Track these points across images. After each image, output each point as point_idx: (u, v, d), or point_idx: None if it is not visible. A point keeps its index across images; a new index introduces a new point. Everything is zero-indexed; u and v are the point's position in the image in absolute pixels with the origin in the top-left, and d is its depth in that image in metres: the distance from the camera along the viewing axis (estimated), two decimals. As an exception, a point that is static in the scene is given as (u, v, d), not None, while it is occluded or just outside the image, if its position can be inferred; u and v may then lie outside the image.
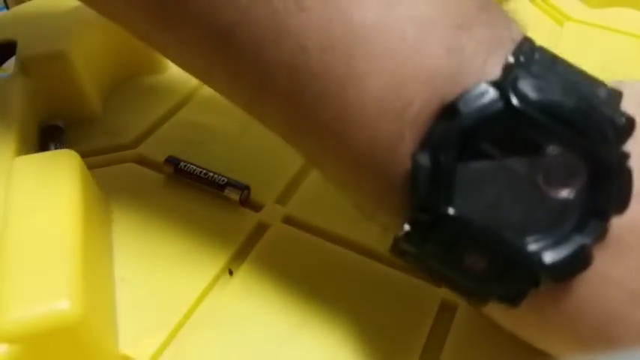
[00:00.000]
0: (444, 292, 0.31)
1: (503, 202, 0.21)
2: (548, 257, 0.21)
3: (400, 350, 0.28)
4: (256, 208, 0.35)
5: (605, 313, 0.22)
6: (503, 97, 0.20)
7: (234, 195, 0.35)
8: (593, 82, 0.22)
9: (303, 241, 0.33)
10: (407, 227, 0.22)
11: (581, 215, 0.21)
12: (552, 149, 0.21)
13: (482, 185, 0.21)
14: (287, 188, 0.37)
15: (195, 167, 0.36)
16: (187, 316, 0.30)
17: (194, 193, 0.36)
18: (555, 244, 0.21)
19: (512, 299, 0.22)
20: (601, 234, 0.21)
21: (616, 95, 0.21)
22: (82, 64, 0.40)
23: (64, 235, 0.27)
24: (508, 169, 0.21)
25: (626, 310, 0.21)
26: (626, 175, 0.21)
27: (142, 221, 0.34)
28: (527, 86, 0.20)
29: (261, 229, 0.34)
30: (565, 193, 0.21)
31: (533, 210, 0.21)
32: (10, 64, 0.40)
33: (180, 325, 0.29)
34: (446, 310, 0.30)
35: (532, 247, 0.21)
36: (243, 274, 0.31)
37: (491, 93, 0.20)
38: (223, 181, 0.35)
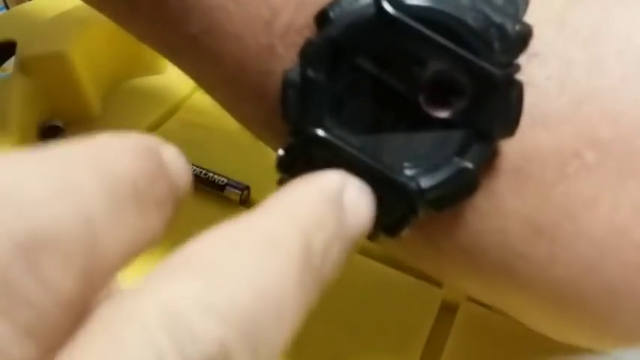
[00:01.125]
0: (445, 293, 0.31)
1: (382, 124, 0.19)
2: (424, 182, 0.19)
3: (400, 351, 0.28)
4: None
5: (505, 247, 0.20)
6: (376, 1, 0.18)
7: (234, 195, 0.35)
8: None
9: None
10: (281, 152, 0.20)
11: (464, 137, 0.19)
12: (433, 64, 0.19)
13: (358, 105, 0.19)
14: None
15: (194, 167, 0.36)
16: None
17: (194, 192, 0.35)
18: (434, 169, 0.19)
19: (391, 229, 0.20)
20: (486, 158, 0.19)
21: (515, 1, 0.19)
22: (82, 64, 0.40)
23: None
24: (387, 86, 0.19)
25: (528, 244, 0.20)
26: (515, 91, 0.19)
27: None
28: None
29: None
30: (447, 114, 0.19)
31: (414, 133, 0.19)
32: (10, 64, 0.41)
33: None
34: (446, 311, 0.30)
35: (409, 171, 0.19)
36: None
37: None
38: (223, 181, 0.35)
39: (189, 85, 0.43)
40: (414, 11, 0.18)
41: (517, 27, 0.18)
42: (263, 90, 0.20)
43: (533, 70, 0.19)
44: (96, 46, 0.42)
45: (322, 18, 0.19)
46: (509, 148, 0.19)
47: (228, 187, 0.35)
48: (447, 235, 0.21)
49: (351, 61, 0.19)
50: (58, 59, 0.39)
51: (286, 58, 0.20)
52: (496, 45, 0.18)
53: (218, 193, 0.35)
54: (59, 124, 0.40)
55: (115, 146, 0.15)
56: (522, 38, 0.19)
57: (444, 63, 0.19)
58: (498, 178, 0.20)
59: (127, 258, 0.15)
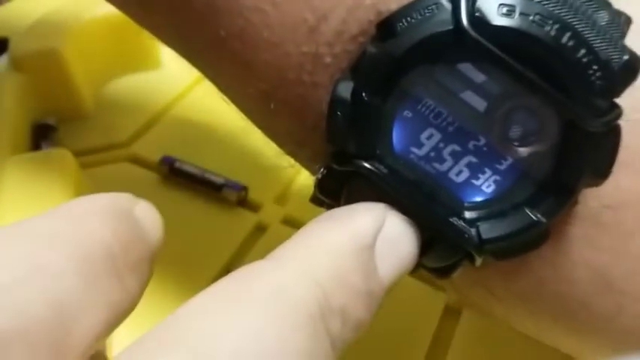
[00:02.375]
0: (449, 296, 0.30)
1: (442, 156, 0.17)
2: (487, 231, 0.17)
3: (404, 355, 0.28)
4: (254, 208, 0.35)
5: (569, 297, 0.18)
6: (454, 17, 0.16)
7: (231, 195, 0.34)
8: (592, 1, 0.16)
9: (302, 243, 0.33)
10: (322, 173, 0.18)
11: (540, 185, 0.17)
12: (514, 95, 0.16)
13: (415, 131, 0.17)
14: (286, 188, 0.36)
15: (191, 167, 0.35)
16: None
17: (190, 193, 0.35)
18: (500, 216, 0.17)
19: (441, 271, 0.18)
20: (563, 212, 0.17)
21: (621, 21, 0.16)
22: (75, 61, 0.40)
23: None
24: (452, 112, 0.17)
25: (594, 296, 0.18)
26: (612, 140, 0.16)
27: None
28: (488, 4, 0.15)
29: (259, 229, 0.34)
30: (522, 155, 0.17)
31: (479, 169, 0.17)
32: (2, 61, 0.40)
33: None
34: (450, 314, 0.30)
35: (469, 214, 0.17)
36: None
37: (441, 9, 0.16)
38: (220, 181, 0.35)
39: (185, 81, 0.43)
40: (500, 35, 0.15)
41: (625, 57, 0.15)
42: (304, 105, 0.18)
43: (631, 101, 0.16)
44: (89, 42, 0.42)
45: (386, 28, 0.16)
46: (589, 192, 0.17)
47: (225, 188, 0.34)
48: (502, 279, 0.19)
49: (416, 83, 0.17)
50: (50, 56, 0.39)
51: (334, 70, 0.17)
52: (597, 86, 0.15)
53: (215, 194, 0.35)
54: (52, 122, 0.39)
55: (86, 213, 0.14)
56: (630, 72, 0.16)
57: (529, 99, 0.16)
58: (571, 226, 0.18)
59: (105, 332, 0.13)
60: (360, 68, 0.17)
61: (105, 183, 0.35)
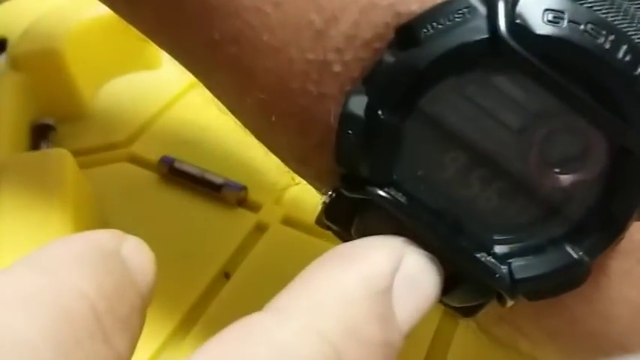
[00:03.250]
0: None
1: (470, 183, 0.15)
2: (520, 270, 0.15)
3: (403, 355, 0.28)
4: (254, 208, 0.35)
5: (603, 337, 0.17)
6: (491, 23, 0.13)
7: (231, 195, 0.34)
8: None
9: (303, 243, 0.33)
10: (330, 196, 0.16)
11: (584, 218, 0.15)
12: (557, 115, 0.14)
13: (439, 152, 0.15)
14: (286, 188, 0.36)
15: (190, 167, 0.35)
16: (183, 321, 0.29)
17: (189, 193, 0.35)
18: (535, 252, 0.15)
19: (465, 311, 0.16)
20: (607, 248, 0.15)
21: None
22: (74, 60, 0.40)
23: (56, 237, 0.26)
24: (482, 132, 0.15)
25: (632, 336, 0.17)
26: None
27: (136, 223, 0.33)
28: (532, 9, 0.13)
29: (259, 230, 0.33)
30: (565, 181, 0.15)
31: (512, 197, 0.15)
32: (1, 61, 0.40)
33: (175, 331, 0.28)
34: (450, 314, 0.30)
35: (499, 248, 0.15)
36: (241, 276, 0.31)
37: (474, 13, 0.14)
38: (220, 181, 0.35)
39: (185, 81, 0.43)
40: (545, 46, 0.13)
41: None
42: (308, 119, 0.16)
43: None
44: (88, 42, 0.41)
45: (407, 35, 0.14)
46: (633, 226, 0.15)
47: (224, 188, 0.34)
48: (532, 316, 0.17)
49: (441, 98, 0.14)
50: (49, 56, 0.39)
51: (344, 80, 0.15)
52: None
53: (214, 194, 0.34)
54: (51, 122, 0.39)
55: (62, 263, 0.12)
56: None
57: (574, 120, 0.14)
58: (612, 260, 0.16)
59: None
60: (376, 81, 0.14)
61: (104, 183, 0.35)
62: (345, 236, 0.16)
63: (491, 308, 0.16)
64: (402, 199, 0.15)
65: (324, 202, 0.16)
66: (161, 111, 0.41)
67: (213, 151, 0.38)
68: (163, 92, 0.42)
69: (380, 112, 0.14)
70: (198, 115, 0.40)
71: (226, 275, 0.31)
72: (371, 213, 0.15)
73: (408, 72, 0.14)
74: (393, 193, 0.15)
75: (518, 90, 0.14)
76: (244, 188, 0.35)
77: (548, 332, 0.17)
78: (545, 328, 0.17)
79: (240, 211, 0.34)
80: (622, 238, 0.15)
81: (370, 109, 0.14)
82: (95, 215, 0.33)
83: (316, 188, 0.18)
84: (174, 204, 0.34)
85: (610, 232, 0.15)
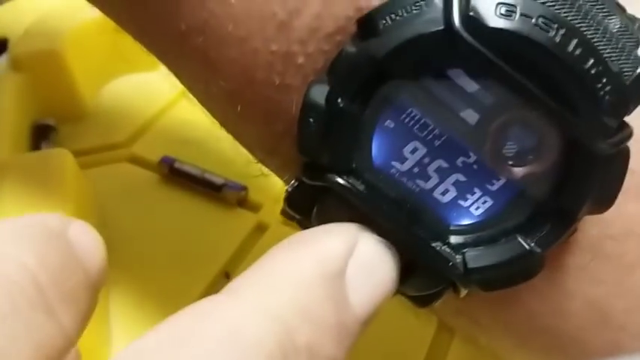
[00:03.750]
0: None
1: (425, 171, 0.15)
2: (474, 259, 0.15)
3: (403, 356, 0.28)
4: (254, 208, 0.35)
5: (561, 331, 0.17)
6: (446, 15, 0.14)
7: (231, 196, 0.34)
8: (603, 4, 0.14)
9: (302, 243, 0.33)
10: (292, 185, 0.16)
11: (535, 210, 0.15)
12: (510, 107, 0.14)
13: (398, 143, 0.15)
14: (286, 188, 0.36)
15: (190, 167, 0.35)
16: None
17: (190, 193, 0.35)
18: (488, 243, 0.15)
19: (421, 300, 0.16)
20: (561, 241, 0.15)
21: (635, 29, 0.14)
22: (74, 61, 0.40)
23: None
24: (440, 124, 0.15)
25: (589, 332, 0.17)
26: (620, 164, 0.14)
27: (136, 223, 0.33)
28: (485, 3, 0.13)
29: (259, 230, 0.33)
30: (518, 173, 0.15)
31: (468, 188, 0.15)
32: (2, 61, 0.40)
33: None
34: (445, 328, 0.30)
35: (455, 239, 0.15)
36: (241, 277, 0.31)
37: (430, 6, 0.14)
38: (220, 181, 0.35)
39: (185, 82, 0.43)
40: (497, 39, 0.13)
41: (639, 70, 0.14)
42: (273, 109, 0.16)
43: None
44: (88, 43, 0.41)
45: (367, 26, 0.14)
46: (589, 220, 0.15)
47: (225, 188, 0.34)
48: (489, 309, 0.17)
49: (399, 89, 0.15)
50: (50, 56, 0.39)
51: (308, 71, 0.16)
52: (606, 101, 0.13)
53: (215, 194, 0.34)
54: (51, 122, 0.39)
55: (4, 237, 0.13)
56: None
57: (527, 113, 0.14)
58: (568, 254, 0.16)
59: None
60: (337, 70, 0.15)
61: (104, 183, 0.35)
62: (307, 225, 0.16)
63: (449, 300, 0.16)
64: (360, 187, 0.15)
65: (286, 191, 0.16)
66: (161, 111, 0.41)
67: (214, 152, 0.38)
68: (164, 93, 0.42)
69: (340, 101, 0.15)
70: (198, 116, 0.40)
71: (227, 275, 0.31)
72: (330, 201, 0.15)
73: (367, 61, 0.14)
74: (352, 181, 0.15)
75: (472, 82, 0.15)
76: (244, 188, 0.35)
77: (504, 326, 0.17)
78: (501, 322, 0.17)
79: (241, 211, 0.34)
80: (574, 231, 0.15)
81: (331, 97, 0.15)
82: (95, 215, 0.33)
83: (282, 178, 0.18)
84: (175, 204, 0.34)
85: (561, 224, 0.15)
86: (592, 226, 0.16)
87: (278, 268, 0.14)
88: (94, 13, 0.39)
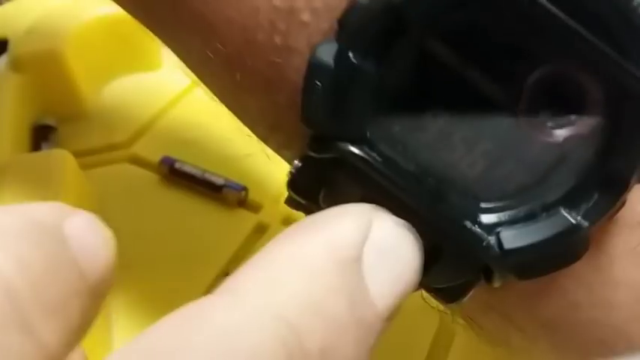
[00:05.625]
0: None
1: (454, 142, 0.13)
2: (511, 239, 0.13)
3: (405, 355, 0.28)
4: (255, 209, 0.35)
5: (605, 326, 0.15)
6: None
7: (231, 196, 0.34)
8: None
9: (303, 243, 0.33)
10: (297, 165, 0.14)
11: (580, 178, 0.13)
12: (548, 57, 0.13)
13: (418, 108, 0.13)
14: (286, 188, 0.36)
15: (191, 167, 0.35)
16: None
17: (190, 194, 0.35)
18: (526, 220, 0.13)
19: (449, 294, 0.14)
20: (610, 213, 0.13)
21: None
22: (75, 61, 0.40)
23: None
24: (466, 85, 0.13)
25: (637, 324, 0.15)
26: None
27: (136, 224, 0.33)
28: None
29: (260, 230, 0.33)
30: (559, 137, 0.13)
31: (497, 159, 0.13)
32: (2, 62, 0.40)
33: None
34: (447, 324, 0.30)
35: (487, 217, 0.13)
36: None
37: None
38: (220, 181, 0.34)
39: (185, 82, 0.43)
40: None
41: None
42: (276, 76, 0.15)
43: None
44: (89, 43, 0.41)
45: None
46: (635, 195, 0.13)
47: (225, 188, 0.34)
48: (526, 304, 0.15)
49: (417, 42, 0.13)
50: (50, 56, 0.39)
51: (313, 31, 0.14)
52: None
53: (215, 195, 0.34)
54: (52, 123, 0.39)
55: None
56: None
57: (568, 62, 0.13)
58: (614, 235, 0.14)
59: None
60: (348, 22, 0.13)
61: (105, 184, 0.35)
62: (314, 211, 0.14)
63: (480, 294, 0.15)
64: (377, 159, 0.13)
65: (290, 173, 0.14)
66: (162, 112, 0.41)
67: (214, 152, 0.38)
68: (164, 93, 0.42)
69: (352, 57, 0.13)
70: (198, 116, 0.40)
71: (227, 275, 0.31)
72: (341, 178, 0.14)
73: (382, 9, 0.12)
74: (366, 151, 0.13)
75: (505, 31, 0.13)
76: (245, 189, 0.35)
77: (542, 323, 0.15)
78: (540, 319, 0.15)
79: (241, 211, 0.34)
80: (623, 203, 0.13)
81: (341, 54, 0.13)
82: (95, 216, 0.33)
83: (287, 159, 0.16)
84: (175, 205, 0.34)
85: (610, 192, 0.13)
86: (637, 201, 0.14)
87: (281, 259, 0.12)
88: (95, 14, 0.39)
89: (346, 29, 0.13)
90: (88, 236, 0.12)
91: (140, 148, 0.38)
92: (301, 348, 0.10)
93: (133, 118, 0.41)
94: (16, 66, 0.38)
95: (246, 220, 0.34)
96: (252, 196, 0.35)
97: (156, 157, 0.36)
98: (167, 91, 0.42)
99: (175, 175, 0.35)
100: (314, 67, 0.13)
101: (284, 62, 0.14)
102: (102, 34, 0.42)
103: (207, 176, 0.35)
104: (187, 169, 0.35)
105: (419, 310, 0.29)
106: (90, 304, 0.11)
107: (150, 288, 0.30)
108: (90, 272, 0.11)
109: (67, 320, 0.11)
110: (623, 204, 0.13)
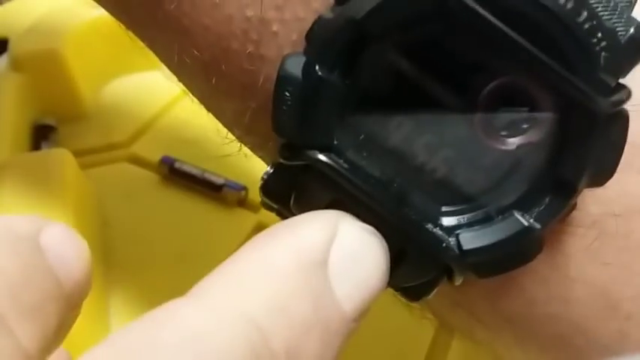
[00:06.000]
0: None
1: (412, 147, 0.14)
2: (468, 240, 0.14)
3: (403, 357, 0.28)
4: (255, 208, 0.35)
5: (563, 321, 0.16)
6: None
7: (231, 196, 0.34)
8: None
9: (302, 243, 0.33)
10: (268, 171, 0.15)
11: (533, 183, 0.14)
12: (501, 71, 0.13)
13: (382, 117, 0.14)
14: (286, 188, 0.36)
15: (191, 167, 0.35)
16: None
17: (190, 193, 0.35)
18: (483, 222, 0.14)
19: (413, 292, 0.15)
20: (561, 216, 0.14)
21: None
22: (75, 61, 0.40)
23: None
24: (425, 95, 0.14)
25: (594, 320, 0.16)
26: (620, 126, 0.13)
27: (136, 223, 0.33)
28: None
29: (259, 230, 0.33)
30: (511, 146, 0.14)
31: (456, 165, 0.14)
32: (2, 61, 0.40)
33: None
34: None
35: (447, 220, 0.14)
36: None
37: None
38: (220, 181, 0.35)
39: (185, 82, 0.43)
40: None
41: (631, 30, 0.13)
42: (249, 82, 0.15)
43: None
44: (89, 42, 0.41)
45: None
46: (589, 196, 0.14)
47: (225, 188, 0.34)
48: (487, 300, 0.16)
49: (379, 54, 0.14)
50: (50, 56, 0.39)
51: (283, 41, 0.15)
52: (602, 58, 0.13)
53: (215, 194, 0.34)
54: (52, 122, 0.39)
55: None
56: (637, 48, 0.13)
57: (519, 74, 0.13)
58: (569, 236, 0.15)
59: None
60: (314, 37, 0.14)
61: (104, 183, 0.35)
62: (286, 215, 0.15)
63: (444, 293, 0.15)
64: (343, 165, 0.14)
65: (262, 178, 0.15)
66: (162, 111, 0.41)
67: (214, 152, 0.38)
68: (164, 93, 0.42)
69: (318, 70, 0.13)
70: (198, 116, 0.40)
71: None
72: (310, 184, 0.14)
73: (346, 23, 0.13)
74: (333, 158, 0.14)
75: (460, 45, 0.13)
76: (245, 188, 0.35)
77: (504, 317, 0.16)
78: (502, 313, 0.16)
79: (241, 211, 0.34)
80: (574, 206, 0.14)
81: (309, 67, 0.13)
82: (95, 215, 0.33)
83: (263, 159, 0.17)
84: (175, 204, 0.34)
85: (561, 196, 0.14)
86: (593, 205, 0.15)
87: (248, 264, 0.12)
88: (94, 13, 0.39)
89: (313, 43, 0.14)
90: (64, 246, 0.12)
91: (140, 148, 0.38)
92: (268, 347, 0.11)
93: (132, 117, 0.41)
94: (16, 66, 0.38)
95: (245, 220, 0.34)
96: (252, 195, 0.35)
97: (155, 156, 0.36)
98: (167, 91, 0.42)
99: (175, 174, 0.35)
100: (283, 79, 0.14)
101: (257, 69, 0.15)
102: (102, 34, 0.42)
103: (207, 176, 0.35)
104: (187, 168, 0.35)
105: (414, 309, 0.29)
106: (66, 311, 0.12)
107: (149, 287, 0.30)
108: (65, 280, 0.12)
109: (44, 325, 0.11)
110: (574, 207, 0.14)
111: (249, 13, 0.15)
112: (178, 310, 0.11)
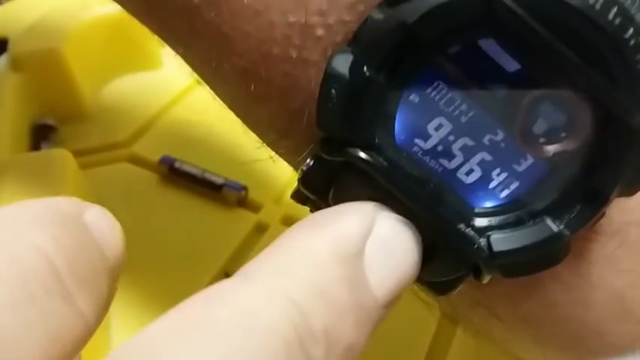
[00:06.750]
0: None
1: (450, 149, 0.15)
2: (499, 242, 0.14)
3: (406, 348, 0.28)
4: (254, 208, 0.35)
5: (581, 323, 0.16)
6: None
7: (231, 195, 0.34)
8: None
9: (302, 243, 0.33)
10: (308, 164, 0.15)
11: (565, 190, 0.14)
12: (544, 81, 0.14)
13: (422, 119, 0.14)
14: (286, 188, 0.36)
15: (191, 167, 0.35)
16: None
17: (190, 193, 0.35)
18: (514, 225, 0.15)
19: (440, 287, 0.16)
20: (590, 224, 0.15)
21: None
22: (75, 60, 0.40)
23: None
24: (467, 99, 0.14)
25: (612, 323, 0.16)
26: None
27: (136, 223, 0.33)
28: None
29: (259, 230, 0.33)
30: (549, 152, 0.14)
31: (494, 168, 0.15)
32: (2, 61, 0.40)
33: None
34: (449, 319, 0.30)
35: (480, 221, 0.15)
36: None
37: None
38: (220, 181, 0.35)
39: (185, 81, 0.43)
40: (537, 4, 0.13)
41: None
42: (290, 86, 0.15)
43: None
44: (89, 42, 0.41)
45: None
46: (614, 205, 0.15)
47: (225, 188, 0.34)
48: (509, 300, 0.16)
49: (427, 58, 0.14)
50: (50, 56, 0.39)
51: (327, 45, 0.15)
52: None
53: (215, 194, 0.34)
54: (52, 122, 0.39)
55: (18, 220, 0.12)
56: None
57: (562, 84, 0.14)
58: (592, 243, 0.15)
59: None
60: (362, 38, 0.14)
61: (104, 183, 0.35)
62: (322, 206, 0.16)
63: (467, 290, 0.16)
64: (383, 163, 0.14)
65: (301, 170, 0.15)
66: (162, 111, 0.41)
67: (214, 151, 0.38)
68: (164, 92, 0.42)
69: (365, 69, 0.14)
70: (198, 116, 0.40)
71: (226, 275, 0.31)
72: (350, 179, 0.15)
73: (396, 26, 0.14)
74: (374, 156, 0.14)
75: (504, 54, 0.14)
76: (245, 188, 0.35)
77: (524, 317, 0.17)
78: (522, 313, 0.17)
79: (241, 211, 0.34)
80: (604, 214, 0.15)
81: (356, 66, 0.14)
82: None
83: (293, 164, 0.17)
84: (175, 204, 0.34)
85: (592, 205, 0.14)
86: (617, 213, 0.15)
87: (292, 250, 0.13)
88: (94, 13, 0.39)
89: (361, 43, 0.14)
90: (104, 224, 0.13)
91: (140, 148, 0.38)
92: (308, 327, 0.12)
93: (132, 117, 0.41)
94: (16, 65, 0.38)
95: (245, 220, 0.34)
96: (252, 195, 0.35)
97: (155, 156, 0.36)
98: (167, 91, 0.42)
99: (175, 174, 0.35)
100: (331, 76, 0.14)
101: (298, 73, 0.15)
102: (102, 34, 0.42)
103: (207, 176, 0.35)
104: (187, 168, 0.35)
105: (418, 310, 0.29)
106: (110, 282, 0.13)
107: (149, 287, 0.30)
108: (109, 254, 0.13)
109: (98, 295, 0.12)
110: (603, 215, 0.15)
111: (292, 19, 0.15)
112: (229, 289, 0.12)
